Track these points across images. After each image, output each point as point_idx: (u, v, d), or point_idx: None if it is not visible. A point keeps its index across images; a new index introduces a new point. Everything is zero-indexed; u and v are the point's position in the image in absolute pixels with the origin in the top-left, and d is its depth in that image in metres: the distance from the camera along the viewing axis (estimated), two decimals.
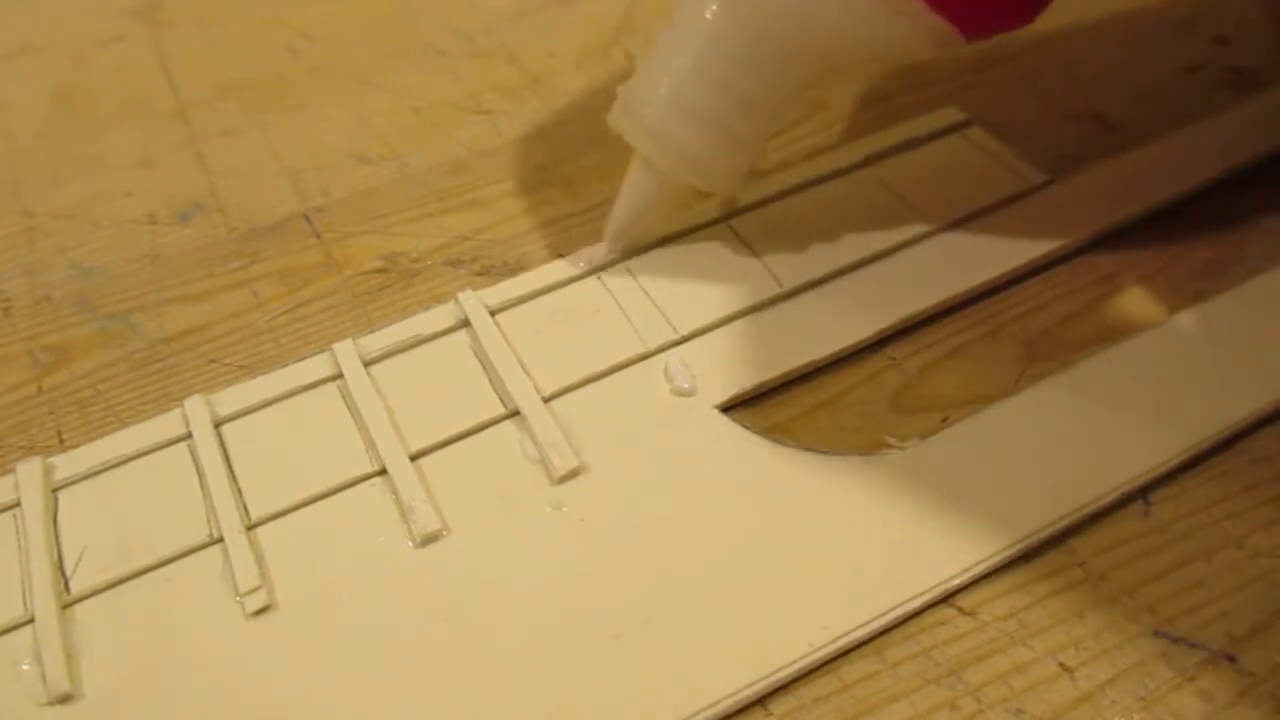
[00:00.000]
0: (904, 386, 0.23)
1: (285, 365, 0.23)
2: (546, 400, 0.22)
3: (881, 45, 0.22)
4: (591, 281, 0.25)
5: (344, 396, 0.23)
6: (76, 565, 0.20)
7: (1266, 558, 0.20)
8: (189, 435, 0.22)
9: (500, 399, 0.22)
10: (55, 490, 0.21)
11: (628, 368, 0.23)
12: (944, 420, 0.22)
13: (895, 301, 0.24)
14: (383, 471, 0.21)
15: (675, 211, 0.25)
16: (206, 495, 0.21)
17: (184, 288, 0.26)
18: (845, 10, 0.21)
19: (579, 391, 0.23)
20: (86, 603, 0.20)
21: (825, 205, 0.26)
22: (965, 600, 0.20)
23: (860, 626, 0.19)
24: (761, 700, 0.18)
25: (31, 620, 0.19)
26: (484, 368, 0.23)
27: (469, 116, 0.30)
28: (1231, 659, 0.19)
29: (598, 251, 0.25)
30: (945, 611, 0.19)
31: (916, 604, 0.19)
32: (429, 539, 0.20)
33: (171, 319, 0.25)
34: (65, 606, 0.20)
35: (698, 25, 0.22)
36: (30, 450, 0.22)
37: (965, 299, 0.24)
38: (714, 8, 0.21)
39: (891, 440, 0.22)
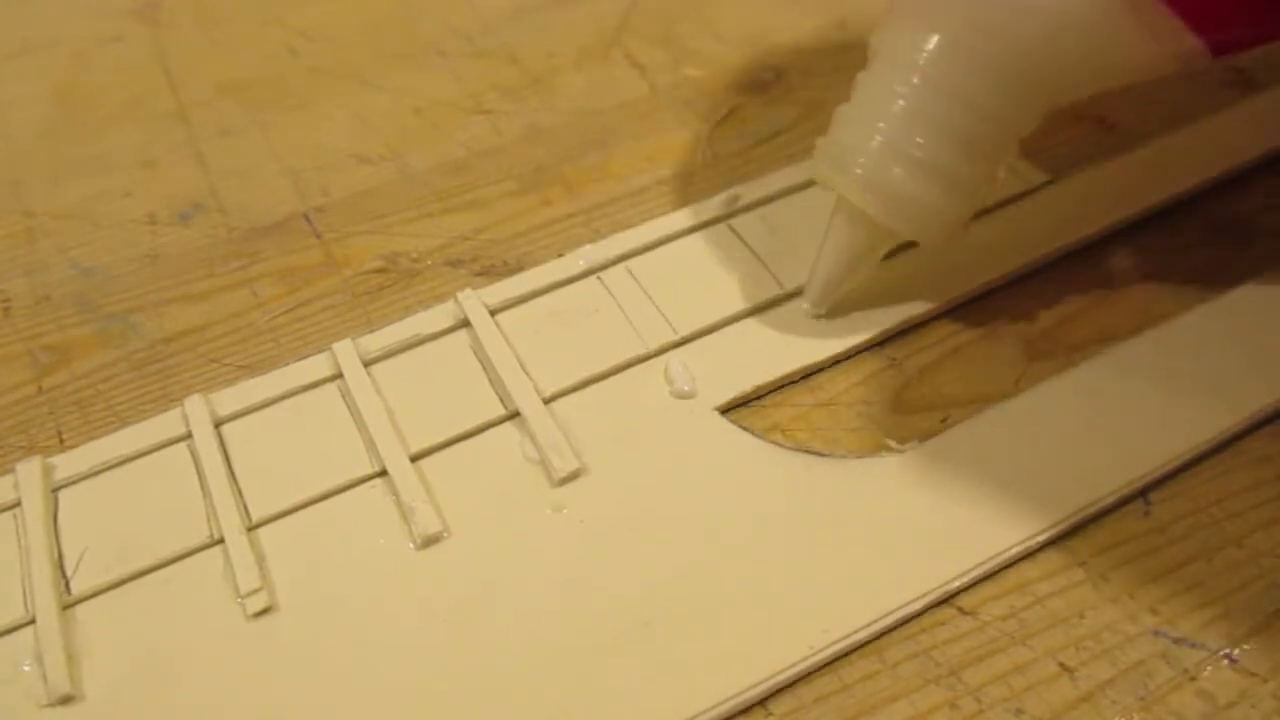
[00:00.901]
0: (904, 386, 0.23)
1: (285, 365, 0.23)
2: (547, 401, 0.22)
3: (1122, 69, 0.20)
4: (591, 281, 0.24)
5: (344, 397, 0.23)
6: (77, 566, 0.20)
7: (1266, 558, 0.20)
8: (189, 435, 0.22)
9: (500, 400, 0.22)
10: (55, 490, 0.21)
11: (628, 369, 0.23)
12: (944, 420, 0.22)
13: (895, 301, 0.24)
14: (383, 473, 0.21)
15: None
16: (207, 496, 0.21)
17: (184, 288, 0.26)
18: (1093, 33, 0.19)
19: (579, 393, 0.23)
20: (87, 603, 0.20)
21: (826, 205, 0.26)
22: (965, 600, 0.20)
23: (860, 628, 0.19)
24: (762, 700, 0.19)
25: (32, 621, 0.19)
26: (484, 368, 0.23)
27: (469, 116, 0.30)
28: (1231, 659, 0.19)
29: (600, 251, 0.25)
30: (945, 611, 0.19)
31: (917, 605, 0.19)
32: (430, 541, 0.20)
33: (171, 319, 0.25)
34: (66, 607, 0.20)
35: (910, 62, 0.20)
36: (30, 450, 0.22)
37: (965, 299, 0.24)
38: (934, 40, 0.20)
39: (891, 442, 0.22)
